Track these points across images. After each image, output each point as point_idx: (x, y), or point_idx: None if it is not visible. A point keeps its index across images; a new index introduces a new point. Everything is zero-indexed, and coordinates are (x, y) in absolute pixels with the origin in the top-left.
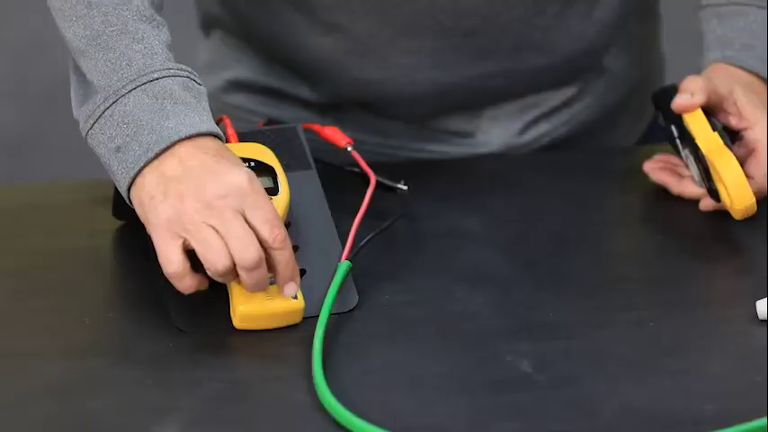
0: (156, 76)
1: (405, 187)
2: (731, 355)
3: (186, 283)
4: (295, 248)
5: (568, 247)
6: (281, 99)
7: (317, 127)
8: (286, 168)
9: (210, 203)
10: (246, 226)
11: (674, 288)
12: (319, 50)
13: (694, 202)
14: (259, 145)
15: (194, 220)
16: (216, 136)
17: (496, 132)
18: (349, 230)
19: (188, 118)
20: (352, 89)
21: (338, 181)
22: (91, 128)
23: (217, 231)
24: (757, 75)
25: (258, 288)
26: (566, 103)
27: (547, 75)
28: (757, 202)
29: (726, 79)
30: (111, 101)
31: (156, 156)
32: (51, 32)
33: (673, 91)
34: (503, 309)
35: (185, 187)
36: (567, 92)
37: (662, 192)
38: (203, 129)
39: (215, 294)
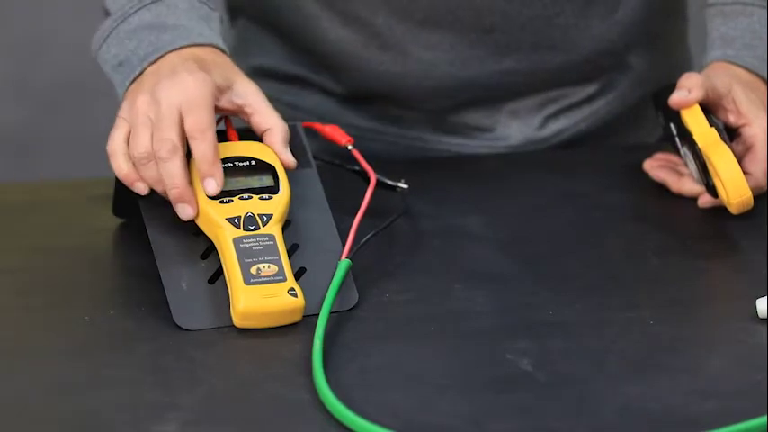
0: None
1: (405, 186)
2: (731, 354)
3: (117, 162)
4: (295, 247)
5: (568, 245)
6: (303, 87)
7: (317, 125)
8: (286, 167)
9: (157, 98)
10: (174, 118)
11: (674, 287)
12: (339, 42)
13: (694, 200)
14: (260, 143)
15: (140, 110)
16: (214, 47)
17: (516, 127)
18: (349, 229)
19: (186, 31)
20: (372, 82)
21: (338, 180)
22: (99, 48)
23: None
24: (757, 74)
25: (172, 182)
26: (587, 100)
27: (567, 73)
28: (755, 198)
29: (725, 77)
30: (118, 21)
31: (150, 64)
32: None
33: (671, 90)
34: (503, 307)
35: (147, 84)
36: (589, 88)
37: (662, 190)
38: (199, 41)
39: (215, 293)
